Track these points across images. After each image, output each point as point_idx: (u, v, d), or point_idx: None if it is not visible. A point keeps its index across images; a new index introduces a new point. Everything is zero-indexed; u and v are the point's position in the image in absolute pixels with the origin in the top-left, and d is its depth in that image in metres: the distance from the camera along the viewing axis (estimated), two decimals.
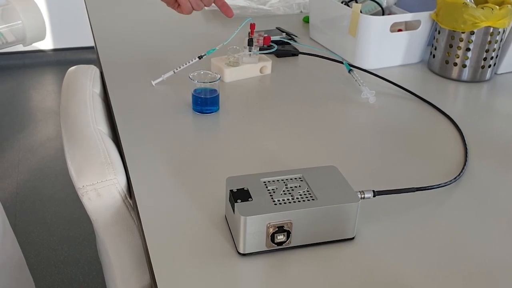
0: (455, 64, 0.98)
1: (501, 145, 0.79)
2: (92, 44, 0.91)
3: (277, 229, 0.54)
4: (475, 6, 0.94)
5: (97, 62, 1.04)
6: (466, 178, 0.70)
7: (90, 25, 1.21)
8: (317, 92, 0.94)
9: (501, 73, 1.03)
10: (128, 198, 0.65)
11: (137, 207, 0.63)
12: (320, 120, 0.85)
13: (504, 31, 0.97)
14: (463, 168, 0.71)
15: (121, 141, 0.74)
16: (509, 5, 0.94)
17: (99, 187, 0.63)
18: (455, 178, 0.68)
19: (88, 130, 0.72)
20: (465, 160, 0.73)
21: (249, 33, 0.96)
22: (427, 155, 0.76)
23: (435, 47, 1.01)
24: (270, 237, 0.54)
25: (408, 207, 0.64)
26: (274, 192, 0.56)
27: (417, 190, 0.64)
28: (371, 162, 0.74)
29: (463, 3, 0.94)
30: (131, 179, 0.66)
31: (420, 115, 0.88)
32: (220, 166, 0.70)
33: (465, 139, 0.79)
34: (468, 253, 0.56)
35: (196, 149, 0.75)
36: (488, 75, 1.00)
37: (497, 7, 0.93)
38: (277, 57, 1.04)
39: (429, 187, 0.65)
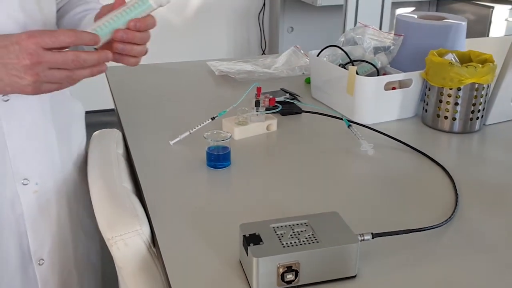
0: (446, 118, 1.07)
1: (490, 190, 0.87)
2: (108, 107, 0.99)
3: (286, 269, 0.61)
4: (460, 65, 1.04)
5: (117, 124, 1.13)
6: (457, 220, 0.77)
7: (110, 90, 1.32)
8: (320, 146, 1.03)
9: (490, 124, 1.12)
10: (152, 247, 0.73)
11: (160, 255, 0.70)
12: (323, 171, 0.93)
13: (488, 86, 1.06)
14: (453, 211, 0.78)
15: (144, 196, 0.82)
16: (491, 64, 1.04)
17: (126, 237, 0.70)
18: (446, 220, 0.75)
19: (115, 188, 0.81)
20: (456, 204, 0.80)
21: (256, 95, 1.06)
22: (422, 201, 0.83)
23: (427, 102, 1.10)
24: (280, 277, 0.61)
25: (404, 247, 0.70)
26: (282, 236, 0.63)
27: (411, 232, 0.71)
28: (370, 208, 0.81)
29: (449, 62, 1.04)
30: (154, 229, 0.74)
31: (415, 165, 0.96)
32: (233, 214, 0.77)
33: (456, 186, 0.86)
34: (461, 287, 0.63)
35: (211, 200, 0.83)
36: (477, 126, 1.08)
37: (480, 65, 1.03)
38: (282, 115, 1.13)
39: (423, 229, 0.72)
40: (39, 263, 0.90)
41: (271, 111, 1.07)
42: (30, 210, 0.87)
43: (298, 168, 0.94)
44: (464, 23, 1.21)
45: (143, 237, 0.72)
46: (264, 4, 3.48)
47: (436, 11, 3.74)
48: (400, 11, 1.41)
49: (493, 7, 3.39)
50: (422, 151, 0.98)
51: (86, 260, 1.01)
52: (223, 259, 0.68)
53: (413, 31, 1.23)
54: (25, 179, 0.85)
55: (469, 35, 1.30)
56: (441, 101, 1.07)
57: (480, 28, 3.48)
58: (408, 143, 1.01)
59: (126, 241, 0.70)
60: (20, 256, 0.88)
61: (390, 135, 1.03)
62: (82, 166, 0.98)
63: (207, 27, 3.44)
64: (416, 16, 1.26)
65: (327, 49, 1.26)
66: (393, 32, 1.28)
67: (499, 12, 3.42)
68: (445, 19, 1.24)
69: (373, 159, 0.97)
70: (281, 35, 3.44)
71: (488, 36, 3.29)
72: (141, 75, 1.43)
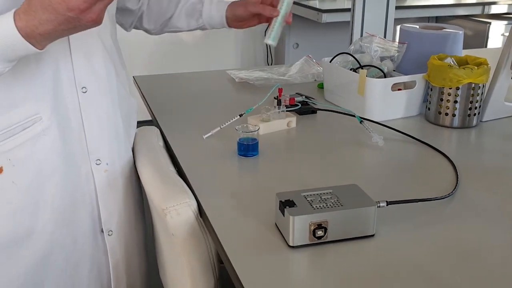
0: (447, 114, 1.21)
1: (485, 172, 1.00)
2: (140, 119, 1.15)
3: (316, 226, 0.73)
4: (458, 67, 1.18)
5: (154, 125, 1.27)
6: (458, 195, 0.90)
7: (143, 96, 1.46)
8: (335, 139, 1.16)
9: (486, 121, 1.25)
10: (199, 217, 0.86)
11: (207, 223, 0.83)
12: (339, 158, 1.06)
13: (483, 86, 1.19)
14: (455, 187, 0.91)
15: (187, 177, 0.95)
16: (485, 66, 1.18)
17: (178, 207, 0.83)
18: (449, 194, 0.88)
19: (163, 170, 0.94)
20: (457, 182, 0.93)
21: (277, 96, 1.20)
22: (427, 181, 0.96)
23: (429, 101, 1.24)
24: (312, 233, 0.74)
25: (414, 214, 0.83)
26: (312, 201, 0.76)
27: (420, 201, 0.84)
28: (383, 185, 0.94)
29: (448, 65, 1.18)
30: (200, 202, 0.87)
31: (420, 153, 1.09)
32: (263, 191, 0.90)
33: (456, 169, 0.99)
34: (463, 245, 0.76)
35: (244, 181, 0.96)
36: (474, 122, 1.21)
37: (476, 67, 1.17)
38: (300, 114, 1.27)
39: (430, 199, 0.85)
40: (108, 234, 1.03)
41: (290, 109, 1.21)
42: (101, 187, 1.00)
43: (317, 157, 1.07)
44: (461, 32, 1.35)
45: (192, 207, 0.85)
46: None
47: None
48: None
49: (490, 23, 3.56)
50: (426, 142, 1.11)
51: (141, 236, 1.14)
52: (261, 223, 0.80)
53: (416, 39, 1.37)
54: (98, 159, 0.99)
55: (468, 48, 1.44)
56: (442, 100, 1.20)
57: (478, 42, 3.64)
58: (414, 136, 1.14)
59: (178, 210, 0.83)
60: (92, 227, 1.02)
61: (398, 129, 1.16)
62: None
63: (216, 44, 3.59)
64: (418, 27, 1.41)
65: (338, 56, 1.40)
66: (397, 41, 1.42)
67: (496, 28, 3.59)
68: (444, 28, 1.38)
69: (383, 149, 1.10)
70: (287, 51, 3.60)
71: None
72: (167, 83, 1.57)
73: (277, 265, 0.72)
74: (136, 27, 1.31)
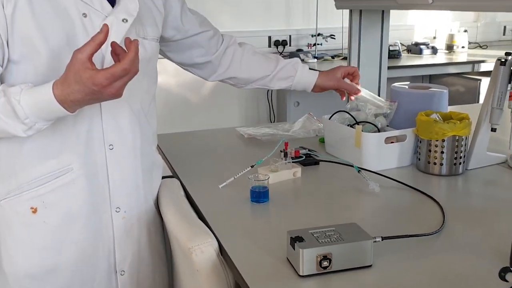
0: (435, 164, 1.35)
1: (468, 213, 1.13)
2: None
3: (322, 257, 0.86)
4: (443, 122, 1.33)
5: (175, 176, 1.41)
6: (445, 231, 1.03)
7: (163, 153, 1.61)
8: (336, 187, 1.30)
9: (471, 169, 1.39)
10: (220, 255, 0.98)
11: (227, 259, 0.96)
12: (339, 203, 1.20)
13: (467, 138, 1.35)
14: (442, 225, 1.04)
15: (207, 220, 1.09)
16: (467, 120, 1.34)
17: (202, 246, 0.97)
18: (436, 230, 1.01)
19: (188, 215, 1.08)
20: (443, 221, 1.06)
21: (283, 149, 1.35)
22: (418, 222, 1.09)
23: (419, 152, 1.39)
24: (319, 263, 0.86)
25: (406, 248, 0.96)
26: (318, 237, 0.90)
27: (411, 236, 0.97)
28: (379, 225, 1.07)
29: (434, 120, 1.33)
30: (220, 242, 1.00)
31: (412, 198, 1.22)
32: (274, 232, 1.03)
33: (443, 210, 1.12)
34: (449, 273, 0.88)
35: (257, 224, 1.10)
36: (460, 170, 1.36)
37: (458, 121, 1.33)
38: (304, 165, 1.41)
39: (419, 235, 0.98)
40: (121, 274, 1.16)
41: (296, 161, 1.36)
42: (119, 231, 1.15)
43: (321, 202, 1.21)
44: (446, 91, 1.52)
45: (213, 246, 0.98)
46: None
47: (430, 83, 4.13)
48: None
49: (480, 80, 3.77)
50: (417, 188, 1.25)
51: (157, 276, 1.26)
52: (274, 258, 0.93)
53: (405, 98, 1.54)
54: (117, 207, 1.13)
55: (462, 103, 1.59)
56: (430, 151, 1.35)
57: (470, 98, 3.84)
58: (406, 183, 1.28)
59: (202, 249, 0.96)
60: (108, 267, 1.16)
61: (391, 177, 1.30)
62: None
63: (221, 103, 3.80)
64: (407, 87, 1.58)
65: (336, 114, 1.57)
66: (389, 100, 1.59)
67: (486, 84, 3.77)
68: (430, 88, 1.55)
69: (379, 195, 1.23)
70: (288, 108, 3.80)
71: None
72: (182, 141, 1.73)
73: None
74: (222, 81, 1.50)
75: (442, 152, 1.34)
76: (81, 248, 1.11)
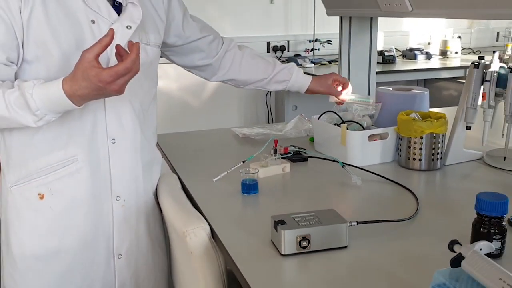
0: (414, 159, 1.45)
1: (441, 203, 1.23)
2: None
3: (302, 238, 0.97)
4: (421, 120, 1.44)
5: (173, 171, 1.51)
6: (417, 219, 1.13)
7: (162, 151, 1.71)
8: (322, 180, 1.40)
9: (448, 164, 1.49)
10: (212, 238, 1.09)
11: (218, 243, 1.06)
12: (324, 194, 1.30)
13: (443, 135, 1.45)
14: (415, 213, 1.14)
15: (201, 209, 1.19)
16: (443, 119, 1.44)
17: (196, 230, 1.07)
18: (410, 216, 1.12)
19: (183, 204, 1.19)
20: (417, 209, 1.17)
21: (273, 146, 1.45)
22: (394, 210, 1.19)
23: (400, 149, 1.49)
24: (298, 244, 0.97)
25: (381, 233, 1.06)
26: (299, 221, 1.00)
27: (384, 221, 1.07)
28: (358, 212, 1.18)
29: (413, 119, 1.44)
30: (212, 227, 1.10)
31: (391, 191, 1.33)
32: (261, 219, 1.13)
33: (418, 200, 1.22)
34: (417, 254, 0.99)
35: (247, 213, 1.20)
36: (438, 165, 1.46)
37: (435, 120, 1.43)
38: (293, 162, 1.52)
39: (392, 220, 1.09)
40: (118, 257, 1.27)
41: (285, 156, 1.46)
42: (118, 219, 1.26)
43: (306, 194, 1.31)
44: (426, 93, 1.63)
45: (206, 231, 1.08)
46: None
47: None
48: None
49: None
50: (396, 181, 1.35)
51: (155, 261, 1.37)
52: (260, 241, 1.04)
53: (389, 99, 1.64)
54: (118, 196, 1.24)
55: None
56: (409, 147, 1.45)
57: None
58: (387, 177, 1.38)
59: (195, 233, 1.07)
60: (106, 251, 1.27)
61: (373, 171, 1.41)
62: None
63: (220, 106, 3.91)
64: (391, 89, 1.68)
65: (324, 114, 1.67)
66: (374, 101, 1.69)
67: None
68: (413, 90, 1.65)
69: (361, 187, 1.34)
70: (286, 111, 3.91)
71: None
72: (181, 140, 1.84)
73: (273, 269, 0.95)
74: (223, 81, 1.63)
75: (421, 149, 1.44)
76: (82, 233, 1.22)
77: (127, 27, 1.16)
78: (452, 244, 0.75)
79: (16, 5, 1.06)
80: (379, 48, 4.14)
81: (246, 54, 1.60)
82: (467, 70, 4.07)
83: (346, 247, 1.00)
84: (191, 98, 3.82)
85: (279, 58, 3.93)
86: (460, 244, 0.75)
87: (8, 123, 1.09)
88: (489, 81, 1.40)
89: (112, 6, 1.17)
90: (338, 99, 1.67)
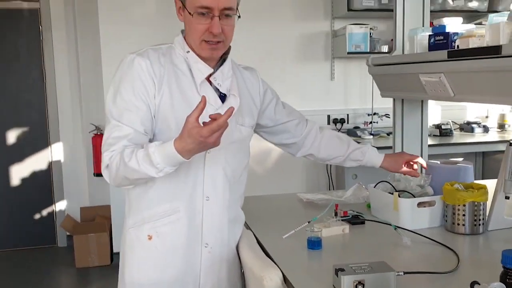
0: (459, 224, 1.66)
1: (481, 262, 1.43)
2: None
3: (357, 282, 1.20)
4: (464, 190, 1.66)
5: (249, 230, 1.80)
6: (459, 272, 1.34)
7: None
8: (377, 241, 1.63)
9: (491, 230, 1.69)
10: (284, 283, 1.34)
11: (291, 285, 1.31)
12: (379, 253, 1.53)
13: (484, 203, 1.66)
14: (456, 266, 1.35)
15: (274, 259, 1.46)
16: (483, 189, 1.66)
17: (271, 275, 1.33)
18: (451, 270, 1.33)
19: (260, 255, 1.46)
20: (457, 264, 1.37)
21: (334, 209, 1.71)
22: (438, 266, 1.40)
23: (446, 215, 1.71)
24: (355, 287, 1.20)
25: (425, 285, 1.28)
26: (355, 269, 1.24)
27: (428, 273, 1.29)
28: (406, 267, 1.39)
29: (456, 189, 1.66)
30: (284, 274, 1.36)
31: (437, 250, 1.54)
32: (325, 271, 1.38)
33: (458, 257, 1.43)
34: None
35: (313, 264, 1.45)
36: (481, 230, 1.66)
37: (476, 190, 1.65)
38: (351, 224, 1.76)
39: (436, 272, 1.30)
40: None
41: (344, 219, 1.72)
42: (205, 262, 1.56)
43: (362, 251, 1.55)
44: (470, 166, 1.85)
45: (279, 276, 1.34)
46: None
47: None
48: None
49: None
50: (442, 242, 1.56)
51: None
52: (323, 285, 1.28)
53: (437, 171, 1.87)
54: (206, 243, 1.55)
55: None
56: (454, 214, 1.67)
57: None
58: (433, 239, 1.59)
59: (271, 277, 1.33)
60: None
61: (422, 234, 1.63)
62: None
63: (284, 178, 4.21)
64: (439, 162, 1.92)
65: (380, 183, 1.92)
66: (424, 173, 1.93)
67: None
68: (458, 163, 1.88)
69: (410, 247, 1.56)
70: (346, 180, 4.13)
71: None
72: (253, 203, 2.13)
73: None
74: (305, 157, 1.93)
75: (464, 215, 1.65)
76: (177, 270, 1.53)
77: None
78: (472, 284, 0.98)
79: (152, 93, 1.47)
80: (437, 121, 4.35)
81: (326, 135, 1.90)
82: None
83: None
84: (256, 166, 4.14)
85: (339, 130, 4.22)
86: (479, 284, 0.97)
87: (138, 175, 1.41)
88: None
89: (219, 96, 1.54)
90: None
